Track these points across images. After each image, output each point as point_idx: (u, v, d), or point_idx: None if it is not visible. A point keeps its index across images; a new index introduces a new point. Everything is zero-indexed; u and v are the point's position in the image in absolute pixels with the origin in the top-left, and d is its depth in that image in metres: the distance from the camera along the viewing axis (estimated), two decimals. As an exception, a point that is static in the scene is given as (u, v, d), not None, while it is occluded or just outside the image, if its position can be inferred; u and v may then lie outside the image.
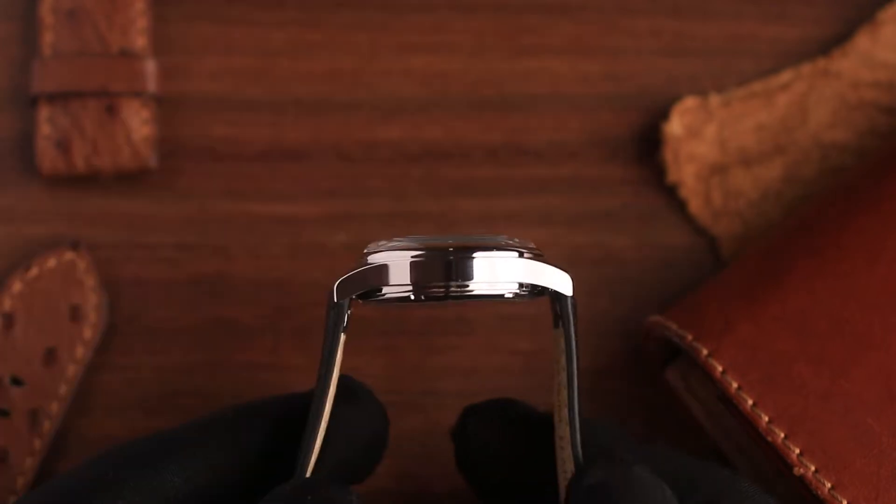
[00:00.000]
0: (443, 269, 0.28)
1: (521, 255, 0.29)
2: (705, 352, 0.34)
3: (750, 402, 0.34)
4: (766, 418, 0.33)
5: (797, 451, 0.33)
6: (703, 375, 0.36)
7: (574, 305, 0.30)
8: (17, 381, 0.37)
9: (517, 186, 0.41)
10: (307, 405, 0.30)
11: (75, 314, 0.38)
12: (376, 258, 0.29)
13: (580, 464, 0.29)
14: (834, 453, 0.33)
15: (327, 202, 0.40)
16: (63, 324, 0.38)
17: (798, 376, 0.34)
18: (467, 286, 0.28)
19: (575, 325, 0.30)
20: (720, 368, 0.34)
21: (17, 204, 0.40)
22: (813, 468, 0.33)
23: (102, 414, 0.38)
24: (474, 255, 0.28)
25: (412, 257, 0.28)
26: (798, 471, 0.33)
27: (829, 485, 0.33)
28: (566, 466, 0.30)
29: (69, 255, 0.39)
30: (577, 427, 0.29)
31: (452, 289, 0.28)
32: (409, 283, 0.28)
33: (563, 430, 0.30)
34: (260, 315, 0.39)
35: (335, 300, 0.29)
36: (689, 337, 0.35)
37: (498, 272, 0.29)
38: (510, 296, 0.29)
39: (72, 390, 0.38)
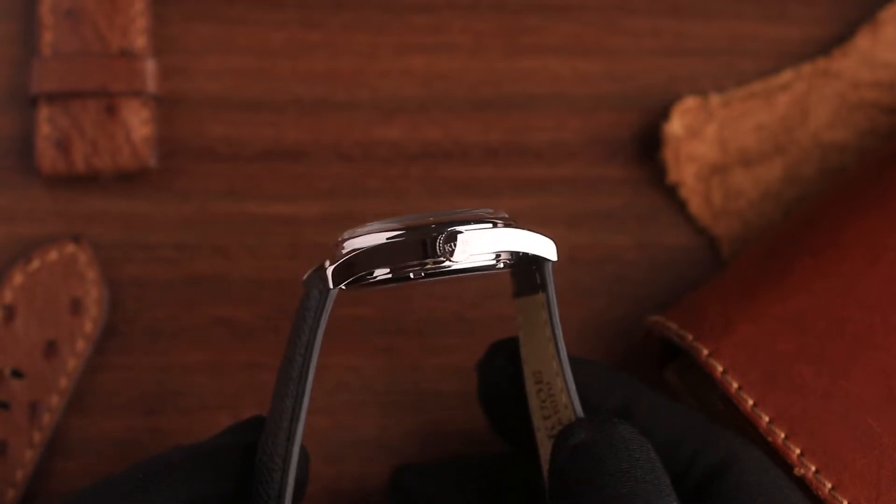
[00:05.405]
0: (428, 248, 0.28)
1: (495, 225, 0.29)
2: (706, 352, 0.34)
3: (750, 402, 0.34)
4: (767, 418, 0.33)
5: (797, 451, 0.33)
6: (703, 375, 0.36)
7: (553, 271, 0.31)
8: (17, 374, 0.38)
9: (517, 186, 0.41)
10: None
11: (76, 307, 0.38)
12: (356, 242, 0.29)
13: (572, 421, 0.30)
14: (834, 454, 0.33)
15: (327, 202, 0.40)
16: (64, 317, 0.38)
17: (798, 376, 0.34)
18: (469, 259, 0.29)
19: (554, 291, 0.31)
20: (720, 368, 0.34)
21: (16, 204, 0.40)
22: (813, 468, 0.33)
23: (102, 414, 0.38)
24: (467, 228, 0.29)
25: (390, 238, 0.29)
26: (798, 471, 0.33)
27: (829, 485, 0.33)
28: (538, 414, 0.31)
29: (70, 248, 0.39)
30: (573, 386, 0.30)
31: (438, 265, 0.28)
32: (393, 264, 0.29)
33: (530, 385, 0.31)
34: (260, 315, 0.39)
35: (330, 286, 0.29)
36: (690, 337, 0.35)
37: (491, 243, 0.29)
38: (501, 266, 0.29)
39: (72, 383, 0.38)
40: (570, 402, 0.30)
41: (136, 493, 0.29)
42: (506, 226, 0.30)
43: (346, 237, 0.29)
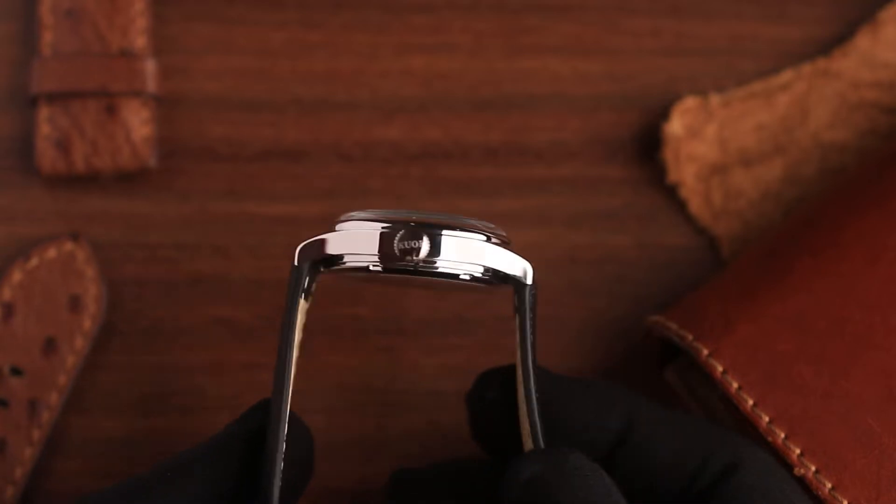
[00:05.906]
0: (394, 244, 0.28)
1: (488, 239, 0.29)
2: (706, 352, 0.34)
3: (750, 402, 0.34)
4: (767, 418, 0.33)
5: (797, 451, 0.33)
6: (703, 375, 0.36)
7: (533, 296, 0.30)
8: (16, 371, 0.38)
9: (517, 186, 0.41)
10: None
11: (75, 304, 0.38)
12: (343, 226, 0.29)
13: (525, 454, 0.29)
14: (834, 454, 0.33)
15: (327, 202, 0.40)
16: (62, 314, 0.38)
17: (798, 376, 0.34)
18: (433, 262, 0.28)
19: (532, 317, 0.30)
20: (720, 368, 0.34)
21: (16, 204, 0.40)
22: (813, 468, 0.33)
23: (102, 414, 0.38)
24: (441, 232, 0.28)
25: (375, 228, 0.29)
26: (798, 471, 0.33)
27: (829, 485, 0.33)
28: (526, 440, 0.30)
29: (69, 246, 0.39)
30: (537, 418, 0.29)
31: (399, 263, 0.28)
32: (368, 253, 0.29)
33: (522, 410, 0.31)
34: (260, 315, 0.39)
35: (295, 263, 0.29)
36: (690, 337, 0.35)
37: (462, 252, 0.29)
38: (466, 277, 0.29)
39: (71, 381, 0.38)
40: (530, 429, 0.30)
41: (139, 498, 0.29)
42: (501, 243, 0.29)
43: (340, 219, 0.30)
